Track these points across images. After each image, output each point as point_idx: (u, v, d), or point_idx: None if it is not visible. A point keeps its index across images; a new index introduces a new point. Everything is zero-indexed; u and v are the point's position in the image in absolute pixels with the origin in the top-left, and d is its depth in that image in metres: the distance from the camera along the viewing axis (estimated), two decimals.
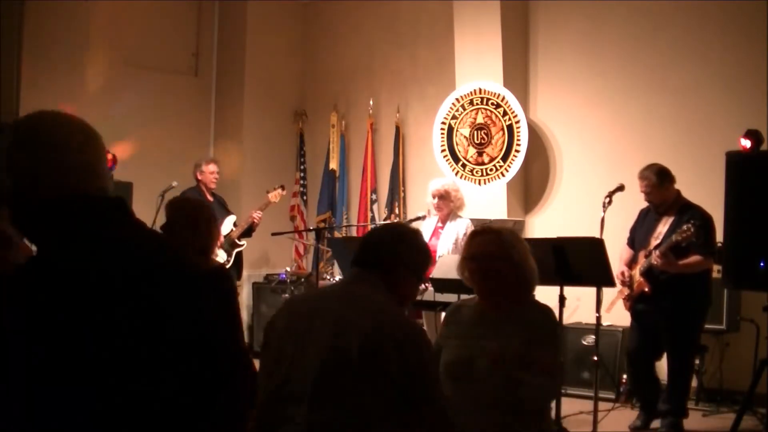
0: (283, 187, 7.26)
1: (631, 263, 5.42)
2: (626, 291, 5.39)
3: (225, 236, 6.72)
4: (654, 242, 5.26)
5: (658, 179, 5.29)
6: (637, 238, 5.47)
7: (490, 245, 3.00)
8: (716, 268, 5.76)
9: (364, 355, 2.23)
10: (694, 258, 5.12)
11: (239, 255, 7.00)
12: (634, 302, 5.36)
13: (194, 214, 3.34)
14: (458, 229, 5.64)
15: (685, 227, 4.98)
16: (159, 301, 1.47)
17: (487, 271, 2.97)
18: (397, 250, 2.50)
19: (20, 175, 1.52)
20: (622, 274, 5.33)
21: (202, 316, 1.52)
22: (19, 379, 1.41)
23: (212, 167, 6.96)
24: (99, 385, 1.41)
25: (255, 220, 6.95)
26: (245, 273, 7.56)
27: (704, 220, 5.10)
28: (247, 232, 7.03)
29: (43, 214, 1.51)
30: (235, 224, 6.97)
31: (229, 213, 7.05)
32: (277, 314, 2.52)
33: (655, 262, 5.09)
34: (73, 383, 1.41)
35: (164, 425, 1.46)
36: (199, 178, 6.93)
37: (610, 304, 5.59)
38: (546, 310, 3.05)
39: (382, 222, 7.81)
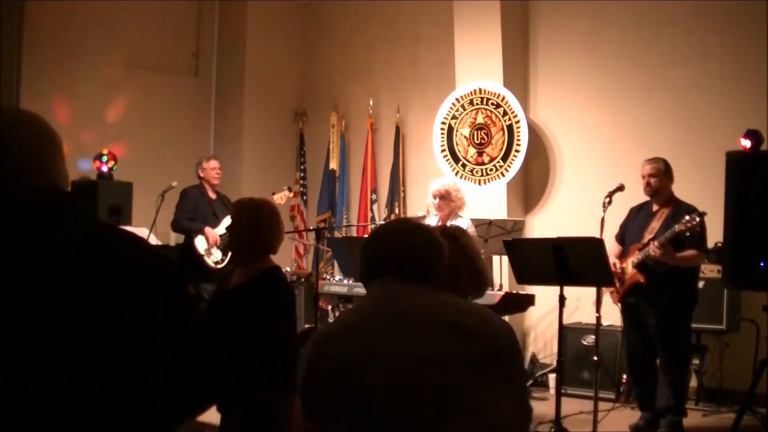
0: (290, 189, 7.21)
1: (620, 258, 5.43)
2: (616, 284, 5.38)
3: (222, 235, 6.70)
4: (648, 236, 5.27)
5: (665, 167, 5.35)
6: (628, 233, 5.48)
7: None
8: (716, 268, 5.78)
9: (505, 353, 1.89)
10: (690, 252, 5.14)
11: None
12: (626, 295, 5.35)
13: (257, 214, 3.33)
14: None
15: (688, 217, 4.99)
16: (140, 294, 1.51)
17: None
18: (442, 262, 2.10)
19: None
20: (614, 265, 5.32)
21: (176, 309, 1.56)
22: None
23: (213, 163, 6.96)
24: (42, 375, 1.44)
25: None
26: None
27: (701, 216, 5.11)
28: None
29: (12, 212, 1.51)
30: None
31: (229, 211, 7.02)
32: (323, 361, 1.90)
33: (653, 253, 5.07)
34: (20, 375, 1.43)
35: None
36: (201, 175, 6.93)
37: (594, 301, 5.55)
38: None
39: (384, 220, 7.80)
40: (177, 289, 1.63)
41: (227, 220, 6.83)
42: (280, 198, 7.03)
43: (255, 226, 3.27)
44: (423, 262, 2.04)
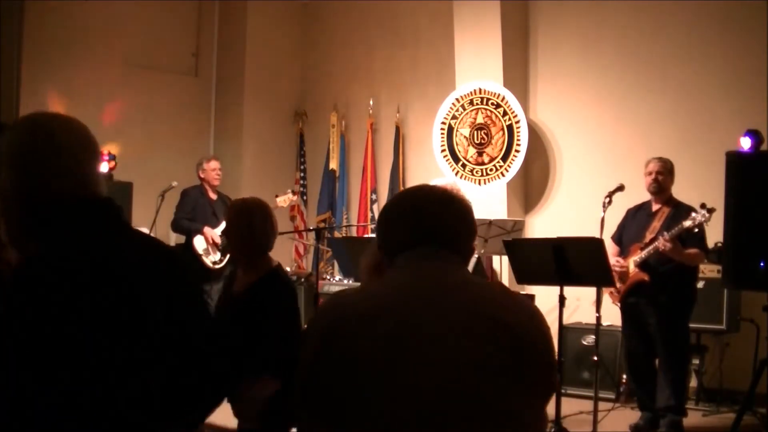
0: (293, 192, 7.17)
1: (620, 257, 5.42)
2: (616, 284, 5.37)
3: (221, 235, 6.66)
4: (649, 236, 5.26)
5: (671, 166, 5.37)
6: (627, 234, 5.48)
7: None
8: (716, 268, 5.78)
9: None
10: (694, 250, 5.15)
11: None
12: (626, 295, 5.35)
13: (249, 215, 3.34)
14: None
15: (695, 214, 5.00)
16: (140, 294, 1.54)
17: None
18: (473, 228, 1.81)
19: (23, 176, 1.56)
20: (617, 262, 5.31)
21: (176, 309, 1.59)
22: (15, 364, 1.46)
23: (214, 164, 6.95)
24: (82, 373, 1.46)
25: None
26: None
27: (711, 211, 5.11)
28: None
29: (42, 215, 1.55)
30: None
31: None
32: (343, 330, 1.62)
33: (663, 248, 5.06)
34: (61, 370, 1.46)
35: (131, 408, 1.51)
36: (202, 176, 6.92)
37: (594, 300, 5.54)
38: None
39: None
40: (180, 289, 1.64)
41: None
42: (284, 201, 6.99)
43: (248, 228, 3.28)
44: (462, 235, 1.76)
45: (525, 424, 1.59)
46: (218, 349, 1.67)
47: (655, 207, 5.40)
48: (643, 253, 5.21)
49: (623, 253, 5.42)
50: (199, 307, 1.68)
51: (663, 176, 5.33)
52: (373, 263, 2.35)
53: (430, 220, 1.72)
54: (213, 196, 6.94)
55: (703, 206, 5.02)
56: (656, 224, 5.30)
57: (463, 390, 1.54)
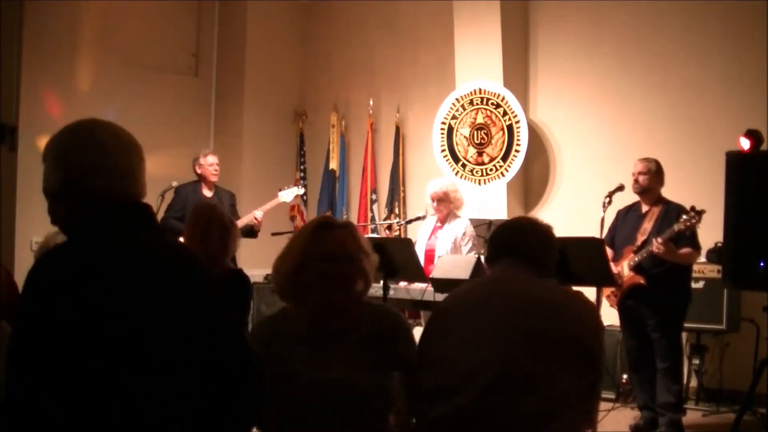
0: (299, 185, 6.98)
1: (614, 261, 5.42)
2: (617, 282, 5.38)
3: None
4: (641, 238, 5.27)
5: (656, 167, 5.36)
6: (619, 236, 5.48)
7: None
8: (716, 268, 5.78)
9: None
10: (687, 250, 5.16)
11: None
12: (623, 298, 5.36)
13: (208, 219, 3.34)
14: (457, 229, 5.65)
15: (685, 217, 5.01)
16: (171, 299, 1.57)
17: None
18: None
19: (73, 173, 1.63)
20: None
21: (208, 316, 1.61)
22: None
23: (211, 159, 6.62)
24: (105, 377, 1.46)
25: (256, 221, 6.61)
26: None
27: (700, 213, 5.12)
28: (247, 234, 6.65)
29: (85, 211, 1.62)
30: None
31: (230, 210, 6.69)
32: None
33: (657, 250, 5.07)
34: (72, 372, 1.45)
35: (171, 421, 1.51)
36: (199, 172, 6.64)
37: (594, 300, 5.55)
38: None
39: (384, 220, 7.80)
40: (236, 303, 1.68)
41: None
42: (289, 195, 6.84)
43: (203, 232, 3.28)
44: (537, 251, 2.64)
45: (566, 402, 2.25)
46: (252, 369, 1.67)
47: (644, 208, 5.41)
48: (637, 257, 5.22)
49: (616, 255, 5.42)
50: (231, 327, 1.69)
51: (645, 176, 5.32)
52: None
53: (512, 239, 2.64)
54: (208, 193, 6.66)
55: (692, 209, 5.04)
56: (647, 225, 5.31)
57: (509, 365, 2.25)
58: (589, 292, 5.29)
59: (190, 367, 1.53)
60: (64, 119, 1.79)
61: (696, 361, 6.05)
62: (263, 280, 8.26)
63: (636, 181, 5.35)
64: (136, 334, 1.48)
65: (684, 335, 5.77)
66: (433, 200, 5.66)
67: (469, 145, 7.39)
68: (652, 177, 5.34)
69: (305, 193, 8.73)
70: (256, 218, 6.61)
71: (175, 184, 6.87)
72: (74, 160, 1.64)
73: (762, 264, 4.03)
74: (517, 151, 7.13)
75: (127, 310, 1.49)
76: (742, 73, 6.37)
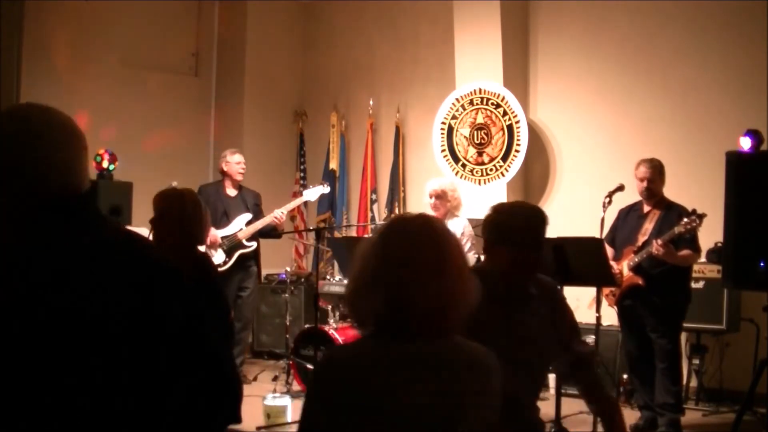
0: (324, 184, 6.91)
1: (614, 261, 5.43)
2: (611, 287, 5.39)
3: (228, 236, 6.47)
4: (642, 239, 5.28)
5: (659, 168, 5.37)
6: (620, 236, 5.49)
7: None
8: (716, 268, 5.78)
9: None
10: (687, 252, 5.16)
11: (253, 256, 6.60)
12: (622, 298, 5.36)
13: (177, 204, 3.33)
14: (455, 229, 5.64)
15: (686, 220, 5.01)
16: (120, 294, 1.48)
17: None
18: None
19: (3, 169, 1.50)
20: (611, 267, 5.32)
21: (158, 310, 1.52)
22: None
23: (238, 157, 6.63)
24: (56, 378, 1.42)
25: (277, 221, 6.51)
26: None
27: (701, 217, 5.12)
28: (269, 234, 6.66)
29: (19, 210, 1.51)
30: (247, 224, 6.54)
31: (246, 210, 6.61)
32: None
33: (657, 252, 5.08)
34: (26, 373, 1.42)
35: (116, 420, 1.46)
36: (225, 169, 6.64)
37: (593, 300, 5.54)
38: None
39: (384, 220, 7.79)
40: (189, 296, 1.62)
41: (238, 219, 6.55)
42: (317, 196, 6.82)
43: (179, 216, 3.27)
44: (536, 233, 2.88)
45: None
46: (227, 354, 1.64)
47: (646, 208, 5.41)
48: (637, 258, 5.23)
49: (617, 255, 5.43)
50: (179, 323, 1.60)
51: (652, 175, 5.34)
52: None
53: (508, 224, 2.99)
54: (232, 192, 6.64)
55: (693, 212, 5.04)
56: (648, 226, 5.31)
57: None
58: (590, 292, 5.32)
59: (135, 368, 1.46)
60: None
61: (696, 361, 6.05)
62: (263, 280, 8.23)
63: (647, 188, 5.33)
64: (66, 334, 1.42)
65: (684, 335, 5.79)
66: (431, 197, 5.65)
67: (469, 145, 7.39)
68: (658, 180, 5.36)
69: None
70: (276, 218, 6.55)
71: (175, 184, 6.81)
72: (6, 147, 1.50)
73: (762, 264, 4.03)
74: (517, 151, 7.13)
75: (61, 305, 1.43)
76: (742, 73, 6.37)
